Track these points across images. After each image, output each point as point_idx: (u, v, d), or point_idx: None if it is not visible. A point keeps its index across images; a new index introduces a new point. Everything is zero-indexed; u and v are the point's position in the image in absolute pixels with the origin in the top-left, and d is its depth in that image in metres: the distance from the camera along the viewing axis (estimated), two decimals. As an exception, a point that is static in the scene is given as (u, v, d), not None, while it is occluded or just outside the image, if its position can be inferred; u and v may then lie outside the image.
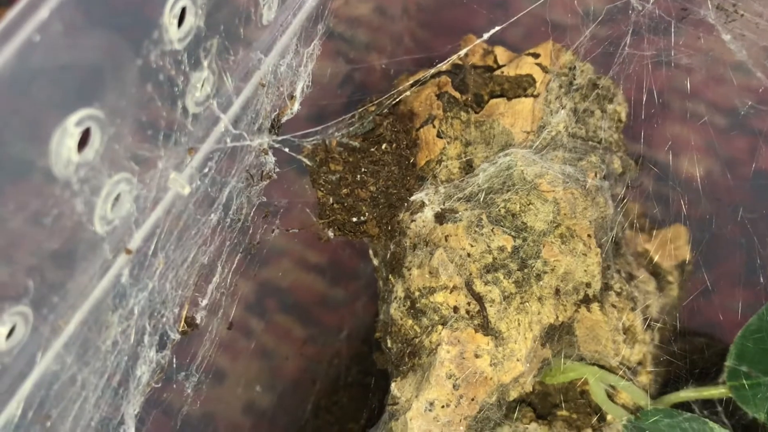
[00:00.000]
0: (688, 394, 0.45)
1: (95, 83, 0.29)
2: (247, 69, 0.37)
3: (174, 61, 0.32)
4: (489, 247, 0.41)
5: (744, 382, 0.43)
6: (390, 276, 0.43)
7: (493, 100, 0.46)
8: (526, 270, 0.41)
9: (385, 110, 0.43)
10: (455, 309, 0.40)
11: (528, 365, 0.41)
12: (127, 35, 0.30)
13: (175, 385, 0.42)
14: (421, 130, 0.45)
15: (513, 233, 0.41)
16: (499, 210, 0.42)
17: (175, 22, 0.31)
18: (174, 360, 0.39)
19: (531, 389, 0.42)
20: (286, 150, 0.41)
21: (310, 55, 0.41)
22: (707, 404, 0.46)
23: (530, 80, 0.46)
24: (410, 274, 0.42)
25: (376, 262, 0.46)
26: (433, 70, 0.45)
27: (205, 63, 0.34)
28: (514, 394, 0.41)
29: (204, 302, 0.40)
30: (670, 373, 0.47)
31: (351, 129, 0.42)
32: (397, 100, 0.44)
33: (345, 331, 0.62)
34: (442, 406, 0.40)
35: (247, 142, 0.38)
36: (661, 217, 0.50)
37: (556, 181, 0.42)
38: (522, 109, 0.45)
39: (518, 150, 0.44)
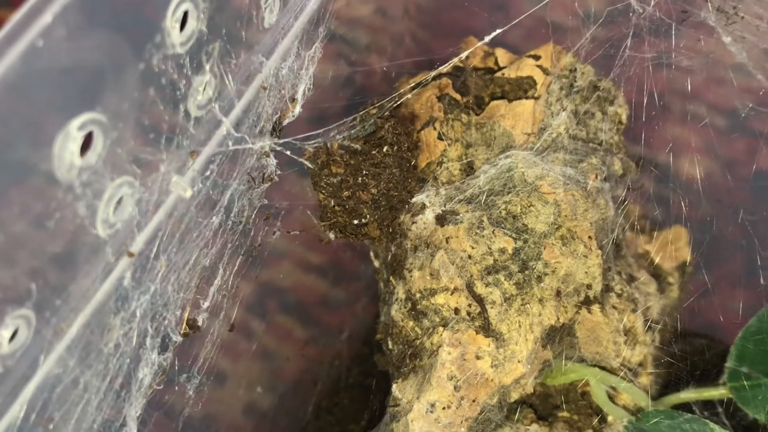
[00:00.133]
0: (688, 395, 0.46)
1: (98, 87, 0.29)
2: (248, 72, 0.37)
3: (176, 65, 0.32)
4: (490, 248, 0.41)
5: (744, 383, 0.43)
6: (391, 278, 0.43)
7: (494, 102, 0.46)
8: (527, 272, 0.41)
9: (386, 113, 0.43)
10: (456, 311, 0.40)
11: (529, 367, 0.41)
12: (129, 39, 0.30)
13: (176, 387, 0.42)
14: (422, 132, 0.45)
15: (514, 235, 0.41)
16: (500, 212, 0.42)
17: (178, 25, 0.31)
18: (176, 362, 0.40)
19: (532, 390, 0.42)
20: (288, 153, 0.41)
21: (311, 58, 0.41)
22: (708, 405, 0.46)
23: (531, 82, 0.46)
24: (411, 276, 0.42)
25: (377, 263, 0.46)
26: (434, 73, 0.45)
27: (207, 66, 0.34)
28: (515, 396, 0.41)
29: (205, 304, 0.40)
30: (670, 374, 0.47)
31: (352, 131, 0.42)
32: (398, 102, 0.44)
33: (346, 332, 0.62)
34: (444, 408, 0.40)
35: (248, 145, 0.38)
36: (661, 219, 0.50)
37: (557, 183, 0.42)
38: (523, 111, 0.45)
39: (519, 152, 0.44)
